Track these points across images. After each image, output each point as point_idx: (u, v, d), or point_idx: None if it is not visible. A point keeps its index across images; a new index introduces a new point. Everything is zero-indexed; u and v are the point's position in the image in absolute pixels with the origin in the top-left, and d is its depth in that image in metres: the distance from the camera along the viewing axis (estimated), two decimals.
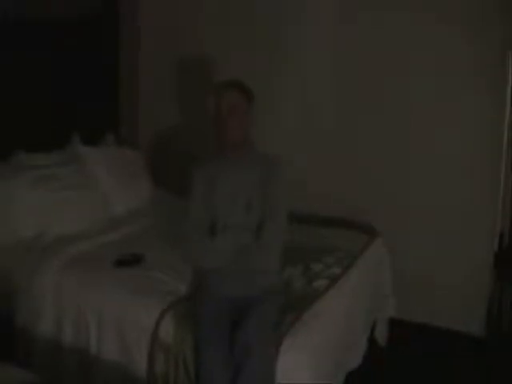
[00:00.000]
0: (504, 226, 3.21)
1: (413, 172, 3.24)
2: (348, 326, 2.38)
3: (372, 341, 2.75)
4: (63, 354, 2.38)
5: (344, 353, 2.32)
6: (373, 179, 3.32)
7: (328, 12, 3.31)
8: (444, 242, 3.19)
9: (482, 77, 2.99)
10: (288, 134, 3.47)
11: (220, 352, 1.98)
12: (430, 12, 3.04)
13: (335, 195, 3.33)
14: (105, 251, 2.63)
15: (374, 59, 3.23)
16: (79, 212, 2.89)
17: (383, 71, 3.21)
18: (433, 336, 3.16)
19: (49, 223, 2.75)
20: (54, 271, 2.46)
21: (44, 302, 2.42)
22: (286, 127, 3.49)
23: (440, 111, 3.13)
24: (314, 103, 3.43)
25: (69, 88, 3.35)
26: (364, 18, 3.21)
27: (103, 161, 3.17)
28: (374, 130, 3.29)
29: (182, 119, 3.89)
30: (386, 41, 3.17)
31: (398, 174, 3.27)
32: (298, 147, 3.43)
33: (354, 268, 2.60)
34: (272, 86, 3.41)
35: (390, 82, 3.20)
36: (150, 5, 3.82)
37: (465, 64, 3.03)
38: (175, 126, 3.90)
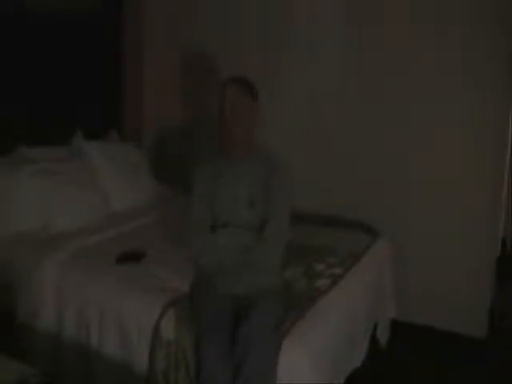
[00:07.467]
0: (507, 230, 3.21)
1: (414, 173, 3.23)
2: (349, 327, 2.37)
3: (373, 341, 2.74)
4: (64, 349, 2.38)
5: (345, 353, 2.32)
6: (373, 181, 3.31)
7: (329, 12, 3.31)
8: (446, 243, 3.18)
9: (482, 77, 2.98)
10: (289, 134, 3.46)
11: (221, 348, 1.97)
12: (431, 12, 3.04)
13: (335, 196, 3.33)
14: (106, 247, 2.63)
15: (375, 59, 3.22)
16: (81, 207, 2.88)
17: (383, 71, 3.21)
18: (434, 338, 3.15)
19: (50, 217, 2.75)
20: (55, 265, 2.46)
21: (45, 296, 2.42)
22: (287, 127, 3.48)
23: (440, 111, 3.12)
24: (315, 103, 3.42)
25: (71, 84, 3.34)
26: (365, 19, 3.21)
27: (106, 156, 3.16)
28: (375, 131, 3.28)
29: (184, 117, 3.89)
30: (386, 41, 3.17)
31: (399, 175, 3.26)
32: (298, 147, 3.43)
33: (356, 268, 2.60)
34: (273, 86, 3.40)
35: (389, 82, 3.20)
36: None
37: (465, 64, 3.02)
38: (178, 124, 3.90)
